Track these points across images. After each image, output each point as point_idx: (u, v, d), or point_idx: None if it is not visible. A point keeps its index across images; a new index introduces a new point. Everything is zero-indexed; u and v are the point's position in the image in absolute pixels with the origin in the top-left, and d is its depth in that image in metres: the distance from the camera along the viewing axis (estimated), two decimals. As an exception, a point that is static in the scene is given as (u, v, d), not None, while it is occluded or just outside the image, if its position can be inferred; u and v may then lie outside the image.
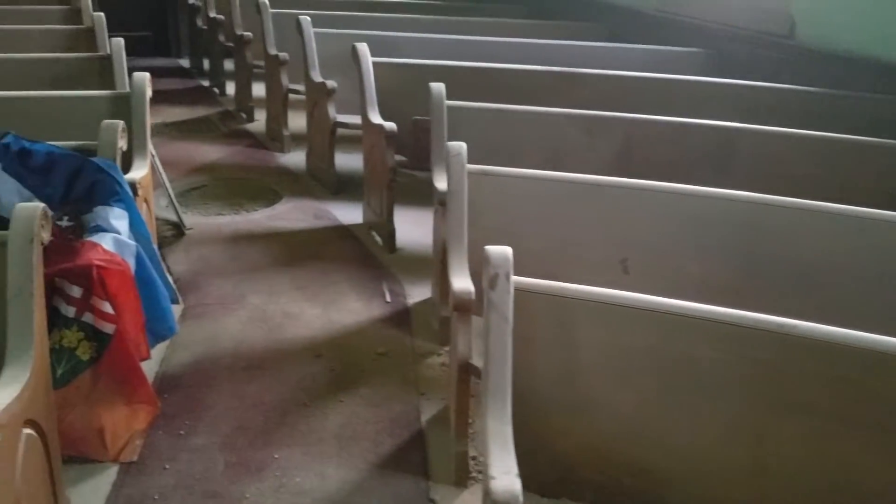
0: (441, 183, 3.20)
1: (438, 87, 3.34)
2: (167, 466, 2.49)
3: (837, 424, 1.71)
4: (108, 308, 2.35)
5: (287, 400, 2.85)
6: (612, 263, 2.57)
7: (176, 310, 3.13)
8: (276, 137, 5.56)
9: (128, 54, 3.89)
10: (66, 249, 2.38)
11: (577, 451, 1.85)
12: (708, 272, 2.55)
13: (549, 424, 1.85)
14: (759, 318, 1.76)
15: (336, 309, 3.48)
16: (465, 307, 2.35)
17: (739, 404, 1.78)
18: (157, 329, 2.67)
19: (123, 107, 3.28)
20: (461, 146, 2.63)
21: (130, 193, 2.66)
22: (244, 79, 6.13)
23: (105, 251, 2.40)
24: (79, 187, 2.63)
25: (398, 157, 4.03)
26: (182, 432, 2.65)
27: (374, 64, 4.15)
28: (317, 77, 4.74)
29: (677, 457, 1.81)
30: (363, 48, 4.10)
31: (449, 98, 3.34)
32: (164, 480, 2.44)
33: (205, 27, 7.07)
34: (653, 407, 1.79)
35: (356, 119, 4.49)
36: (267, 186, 4.84)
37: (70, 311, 2.33)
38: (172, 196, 4.10)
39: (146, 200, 3.09)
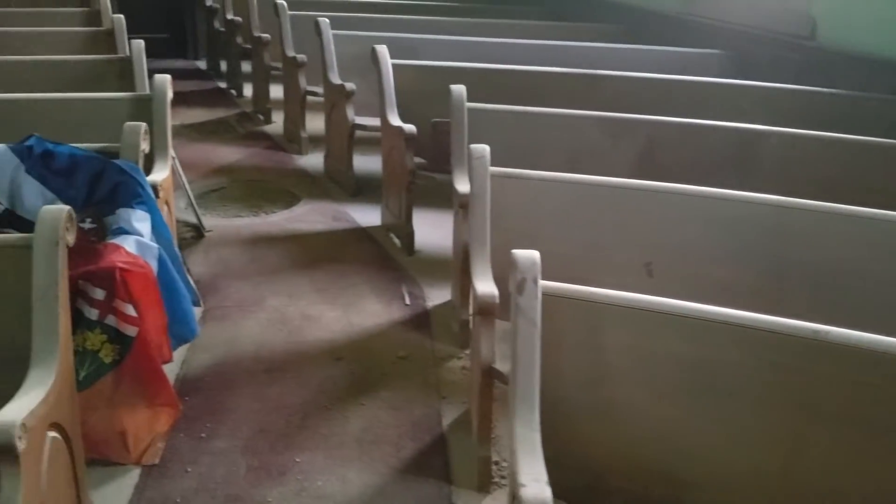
0: (462, 185, 3.19)
1: (459, 90, 3.33)
2: (189, 469, 2.49)
3: (869, 431, 1.68)
4: (130, 310, 2.35)
5: (308, 403, 2.84)
6: (636, 267, 2.55)
7: (196, 312, 3.12)
8: (293, 139, 5.56)
9: (146, 56, 3.89)
10: (88, 252, 2.38)
11: (605, 457, 1.83)
12: (732, 276, 2.52)
13: (577, 430, 1.83)
14: (791, 324, 1.74)
15: (356, 311, 3.47)
16: (489, 311, 2.33)
17: (770, 411, 1.76)
18: (179, 331, 2.67)
19: (144, 109, 3.28)
20: (484, 149, 2.61)
21: (153, 195, 2.66)
22: (262, 81, 6.14)
23: (128, 253, 2.40)
24: (101, 189, 2.63)
25: (417, 160, 4.01)
26: (203, 435, 2.64)
27: (394, 66, 4.14)
28: (335, 79, 4.74)
29: (707, 464, 1.79)
30: (383, 50, 4.10)
31: (468, 100, 3.33)
32: (186, 484, 2.43)
33: (222, 29, 7.10)
34: (682, 413, 1.77)
35: (374, 121, 4.49)
36: (285, 189, 4.84)
37: (93, 314, 2.33)
38: (192, 198, 4.11)
39: (167, 202, 3.09)
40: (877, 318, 2.15)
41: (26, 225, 2.62)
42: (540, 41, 5.11)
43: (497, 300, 2.33)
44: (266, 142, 5.74)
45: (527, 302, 1.75)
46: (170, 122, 3.26)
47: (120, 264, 2.33)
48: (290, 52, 5.39)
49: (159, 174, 3.01)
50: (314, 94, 5.27)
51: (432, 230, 4.17)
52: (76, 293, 2.32)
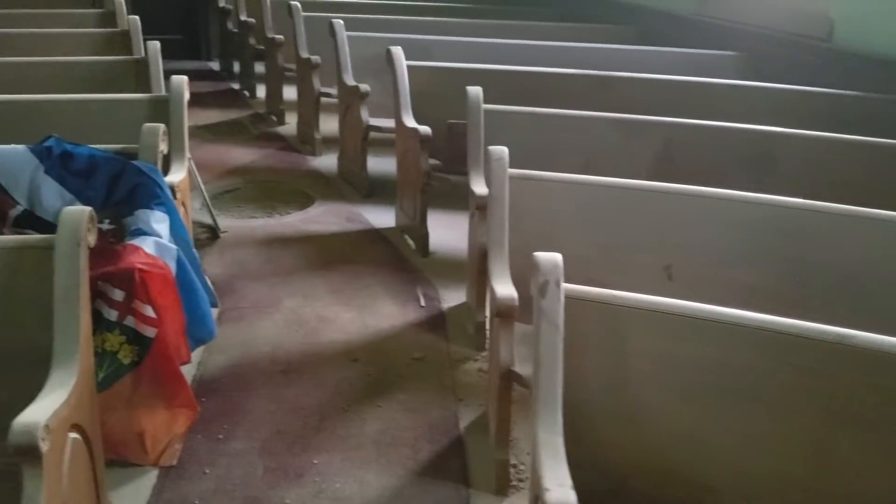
0: (478, 187, 3.18)
1: (475, 91, 3.32)
2: (207, 471, 2.49)
3: (894, 436, 1.67)
4: (149, 312, 2.35)
5: (325, 404, 2.83)
6: (656, 270, 2.53)
7: (213, 313, 3.12)
8: (307, 141, 5.56)
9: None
10: (107, 253, 2.39)
11: (627, 461, 1.82)
12: (752, 278, 2.51)
13: (599, 434, 1.82)
14: (817, 328, 1.72)
15: (371, 313, 3.47)
16: (508, 313, 2.32)
17: (793, 416, 1.74)
18: (197, 332, 2.67)
19: (161, 110, 3.29)
20: (503, 150, 2.61)
21: (171, 197, 2.66)
22: (275, 82, 6.14)
23: (147, 255, 2.40)
24: (120, 190, 2.63)
25: (432, 161, 4.01)
26: (221, 436, 2.64)
27: (408, 67, 4.13)
28: (349, 80, 4.74)
29: (729, 468, 1.77)
30: (398, 52, 4.09)
31: (483, 102, 3.32)
32: (204, 485, 2.43)
33: (235, 30, 7.10)
34: (707, 418, 1.76)
35: (389, 123, 4.49)
36: (299, 190, 4.84)
37: (112, 315, 2.33)
38: (207, 199, 4.11)
39: (183, 203, 3.09)
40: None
41: (45, 225, 2.63)
42: (553, 42, 5.10)
43: (517, 303, 2.32)
44: (279, 143, 5.74)
45: (549, 305, 1.74)
46: (186, 124, 3.27)
47: (139, 265, 2.33)
48: (304, 54, 5.39)
49: (176, 175, 3.02)
50: (328, 95, 5.27)
51: (446, 231, 4.17)
52: (95, 294, 2.32)
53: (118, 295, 2.32)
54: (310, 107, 5.44)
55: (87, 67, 3.98)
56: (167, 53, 3.92)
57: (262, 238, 4.14)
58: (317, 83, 5.27)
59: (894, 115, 3.58)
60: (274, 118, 6.21)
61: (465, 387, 2.99)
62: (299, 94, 5.70)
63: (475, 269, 3.24)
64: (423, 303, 3.60)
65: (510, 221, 2.60)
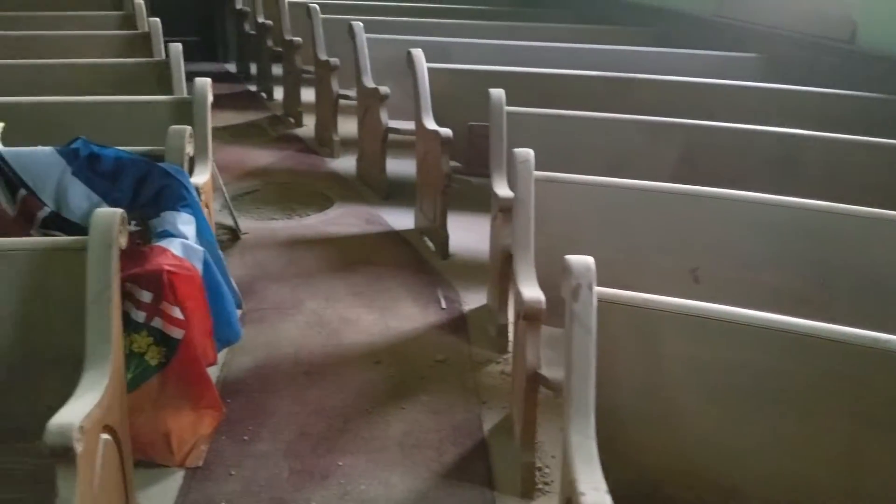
0: (501, 189, 3.18)
1: (498, 94, 3.32)
2: (233, 472, 2.50)
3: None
4: (177, 313, 2.35)
5: (348, 406, 2.84)
6: (682, 272, 2.52)
7: (238, 314, 3.13)
8: (325, 142, 5.57)
9: (177, 59, 3.92)
10: (135, 254, 2.39)
11: (659, 465, 1.81)
12: (780, 282, 2.49)
13: (631, 438, 1.81)
14: (851, 333, 1.71)
15: (392, 315, 3.47)
16: (536, 316, 2.32)
17: (827, 420, 1.73)
18: (223, 334, 2.67)
19: (184, 112, 3.30)
20: (528, 153, 2.60)
21: (197, 199, 2.67)
22: (293, 84, 6.16)
23: (174, 256, 2.41)
24: (146, 192, 2.64)
25: (452, 163, 4.01)
26: (246, 438, 2.65)
27: (428, 70, 4.14)
28: (369, 83, 4.74)
29: (763, 473, 1.76)
30: (419, 54, 4.09)
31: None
32: (230, 487, 2.44)
33: (252, 32, 7.13)
34: (738, 421, 1.75)
35: (408, 125, 4.50)
36: (318, 191, 4.86)
37: (140, 316, 2.34)
38: (229, 200, 4.13)
39: (207, 205, 3.10)
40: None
41: (72, 227, 2.64)
42: (571, 45, 5.08)
43: (544, 305, 2.31)
44: (298, 145, 5.76)
45: (582, 308, 1.74)
46: (210, 126, 3.28)
47: (167, 267, 2.34)
48: (323, 56, 5.41)
49: (201, 177, 3.03)
50: (346, 97, 5.28)
51: (465, 233, 4.17)
52: (123, 296, 2.32)
53: (146, 296, 2.33)
54: (328, 109, 5.45)
55: (109, 70, 4.00)
56: (185, 55, 3.93)
57: (282, 239, 4.15)
58: (335, 85, 5.28)
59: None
60: (291, 120, 6.23)
61: (487, 389, 2.99)
62: (317, 97, 5.72)
63: (497, 272, 3.24)
64: (443, 305, 3.60)
65: (535, 224, 2.60)
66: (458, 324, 3.46)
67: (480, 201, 3.99)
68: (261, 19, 6.76)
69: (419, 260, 4.04)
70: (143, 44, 4.62)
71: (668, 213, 2.58)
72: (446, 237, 4.05)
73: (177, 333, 2.37)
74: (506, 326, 3.25)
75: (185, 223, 2.55)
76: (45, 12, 5.51)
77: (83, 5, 5.99)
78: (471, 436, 2.73)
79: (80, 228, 2.63)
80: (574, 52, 4.91)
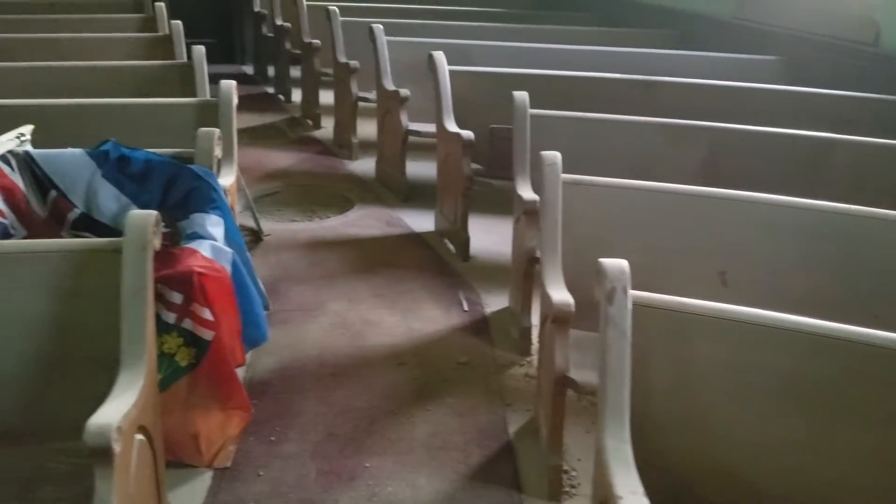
0: (525, 192, 3.19)
1: (522, 96, 3.32)
2: (261, 473, 2.51)
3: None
4: (207, 314, 2.37)
5: (374, 407, 2.85)
6: (710, 276, 2.52)
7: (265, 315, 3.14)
8: (344, 144, 5.59)
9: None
10: (165, 256, 2.40)
11: (694, 468, 1.81)
12: (807, 285, 2.49)
13: (665, 441, 1.81)
14: (884, 336, 1.71)
15: (415, 317, 3.48)
16: (565, 319, 2.32)
17: (862, 423, 1.73)
18: (251, 335, 2.68)
19: (209, 114, 3.32)
20: (556, 156, 2.61)
21: (226, 201, 2.68)
22: (311, 86, 6.18)
23: (204, 258, 2.42)
24: (175, 194, 2.66)
25: (474, 166, 4.01)
26: (273, 439, 2.66)
27: (449, 73, 4.14)
28: (389, 85, 4.76)
29: (798, 477, 1.76)
30: (440, 57, 4.10)
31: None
32: (259, 487, 2.45)
33: (270, 34, 7.15)
34: (776, 428, 1.74)
35: (427, 127, 4.51)
36: (338, 193, 4.87)
37: (170, 318, 2.35)
38: (251, 202, 4.15)
39: (231, 207, 3.12)
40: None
41: (102, 228, 2.67)
42: (591, 47, 5.08)
43: (573, 308, 2.32)
44: (317, 147, 5.78)
45: (617, 312, 1.74)
46: (235, 128, 3.30)
47: (197, 268, 2.35)
48: (342, 58, 5.42)
49: (227, 179, 3.04)
50: (365, 99, 5.30)
51: (486, 236, 4.18)
52: (154, 297, 2.34)
53: (176, 298, 2.34)
54: (347, 111, 5.47)
55: (133, 72, 4.03)
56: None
57: (304, 241, 4.17)
58: (354, 88, 5.30)
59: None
60: (310, 122, 6.25)
61: (511, 392, 3.00)
62: (336, 99, 5.73)
63: (521, 274, 3.24)
64: (465, 307, 3.60)
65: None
66: (481, 326, 3.47)
67: (500, 203, 4.01)
68: (279, 21, 6.78)
69: (440, 262, 4.04)
70: (164, 46, 4.65)
71: (695, 216, 2.58)
72: (467, 239, 4.05)
73: (207, 335, 2.38)
74: (529, 329, 3.26)
75: (214, 225, 2.57)
76: (67, 15, 5.56)
77: (104, 8, 6.03)
78: (496, 438, 2.73)
79: (109, 230, 2.65)
80: (593, 55, 4.91)
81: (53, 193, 2.67)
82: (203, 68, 3.90)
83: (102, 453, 1.67)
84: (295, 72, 6.71)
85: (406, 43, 4.95)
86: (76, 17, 5.50)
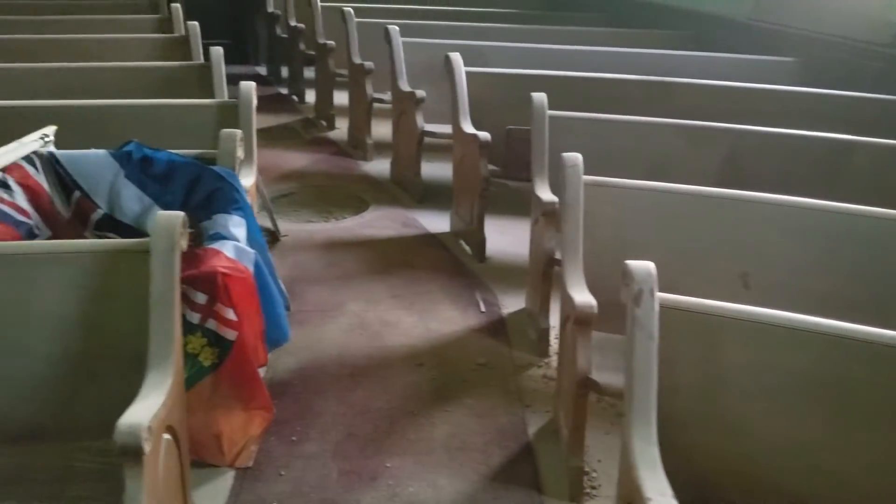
0: (544, 193, 3.19)
1: (540, 98, 3.33)
2: (282, 473, 2.52)
3: None
4: (231, 315, 2.38)
5: (394, 408, 2.86)
6: (732, 278, 2.52)
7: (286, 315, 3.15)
8: (358, 145, 5.60)
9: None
10: (189, 256, 2.42)
11: (720, 471, 1.82)
12: (829, 287, 2.49)
13: (692, 443, 1.82)
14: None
15: (432, 318, 3.49)
16: (587, 321, 2.33)
17: (891, 427, 1.73)
18: (272, 335, 2.70)
19: (228, 115, 3.34)
20: (577, 157, 2.61)
21: (248, 202, 2.70)
22: (325, 87, 6.19)
23: (228, 258, 2.43)
24: (198, 195, 2.68)
25: (490, 167, 4.02)
26: (294, 438, 2.67)
27: (465, 73, 4.15)
28: (404, 86, 4.77)
29: (825, 480, 1.76)
30: (457, 58, 4.11)
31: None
32: (281, 487, 2.46)
33: (284, 35, 7.17)
34: (805, 431, 1.75)
35: (442, 128, 4.52)
36: (353, 194, 4.89)
37: (195, 318, 2.37)
38: (269, 203, 4.16)
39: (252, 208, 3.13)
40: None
41: (125, 229, 2.68)
42: (606, 48, 5.09)
43: (596, 310, 2.32)
44: (331, 147, 5.79)
45: (644, 314, 1.74)
46: (255, 129, 3.31)
47: (221, 269, 2.36)
48: (357, 59, 5.43)
49: (247, 180, 3.05)
50: (380, 100, 5.31)
51: (501, 237, 4.19)
52: (178, 297, 2.36)
53: (201, 298, 2.35)
54: (362, 112, 5.48)
55: (151, 72, 4.05)
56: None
57: (320, 242, 4.18)
58: (369, 89, 5.31)
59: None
60: (324, 123, 6.26)
61: (529, 393, 3.00)
62: (351, 100, 5.75)
63: (539, 276, 3.24)
64: (482, 308, 3.61)
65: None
66: (498, 327, 3.47)
67: (515, 204, 4.02)
68: (293, 22, 6.80)
69: (456, 263, 4.05)
70: (180, 47, 4.66)
71: (717, 218, 2.58)
72: (483, 240, 4.06)
73: (230, 335, 2.40)
74: (547, 330, 3.26)
75: (237, 226, 2.58)
76: (83, 16, 5.59)
77: (119, 9, 6.07)
78: (516, 439, 2.74)
79: (132, 230, 2.67)
80: (608, 56, 4.91)
81: (77, 194, 2.69)
82: (221, 69, 3.92)
83: (132, 453, 1.68)
84: (308, 73, 6.73)
85: (421, 44, 4.96)
86: (92, 17, 5.53)
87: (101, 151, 2.75)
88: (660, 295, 1.78)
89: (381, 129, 5.50)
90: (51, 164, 2.70)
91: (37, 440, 2.04)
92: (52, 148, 2.76)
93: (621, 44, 5.29)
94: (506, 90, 4.18)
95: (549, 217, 3.08)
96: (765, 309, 1.81)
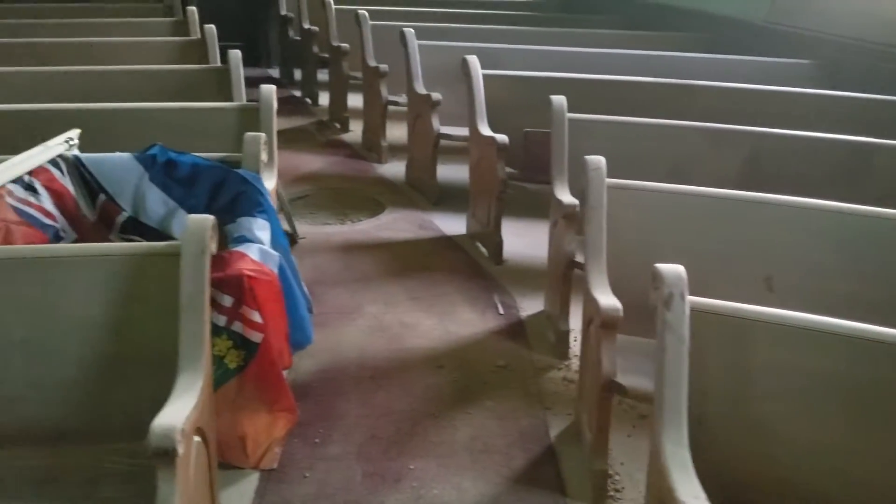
0: (564, 195, 3.19)
1: (559, 100, 3.34)
2: (306, 475, 2.53)
3: None
4: (256, 317, 2.39)
5: (415, 410, 2.86)
6: (756, 280, 2.52)
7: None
8: (372, 148, 5.62)
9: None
10: (215, 259, 2.42)
11: (750, 474, 1.82)
12: (852, 290, 2.48)
13: (722, 447, 1.82)
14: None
15: (451, 320, 3.50)
16: (613, 324, 2.33)
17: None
18: (296, 337, 2.71)
19: (248, 118, 3.36)
20: (600, 160, 2.62)
21: (272, 205, 2.71)
22: (339, 90, 6.21)
23: (253, 261, 2.44)
24: (222, 198, 2.69)
25: (508, 169, 4.02)
26: (317, 440, 2.68)
27: (483, 76, 4.16)
28: (420, 89, 4.78)
29: (855, 484, 1.76)
30: (474, 61, 4.12)
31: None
32: (305, 489, 2.47)
33: (297, 38, 7.19)
34: (836, 436, 1.75)
35: (458, 130, 4.53)
36: (369, 196, 4.90)
37: (221, 320, 2.37)
38: (286, 205, 4.18)
39: (272, 210, 3.15)
40: None
41: (149, 232, 2.70)
42: (622, 50, 5.09)
43: (621, 313, 2.33)
44: (346, 150, 5.81)
45: (675, 317, 1.75)
46: (276, 132, 3.33)
47: (247, 272, 2.37)
48: (372, 62, 5.45)
49: (269, 182, 3.06)
50: (395, 103, 5.32)
51: (517, 239, 4.19)
52: (206, 300, 2.37)
53: (227, 301, 2.36)
54: (377, 115, 5.49)
55: (169, 75, 4.08)
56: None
57: (337, 244, 4.20)
58: (384, 91, 5.32)
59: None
60: (338, 125, 6.28)
61: (550, 395, 3.00)
62: (365, 103, 5.76)
63: (558, 278, 3.25)
64: (501, 310, 3.62)
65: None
66: (517, 329, 3.48)
67: (532, 207, 4.03)
68: (306, 25, 6.82)
69: (473, 265, 4.06)
70: (197, 50, 4.69)
71: (740, 221, 2.58)
72: (500, 242, 4.07)
73: (256, 337, 2.40)
74: (567, 333, 3.26)
75: (261, 229, 2.59)
76: (99, 19, 5.62)
77: (135, 12, 6.10)
78: (538, 441, 2.74)
79: (157, 233, 2.69)
80: (624, 58, 4.91)
81: (102, 197, 2.71)
82: (240, 72, 3.95)
83: (166, 455, 1.69)
84: (322, 75, 6.75)
85: (436, 47, 4.98)
86: (108, 21, 5.56)
87: (126, 154, 2.76)
88: (690, 298, 1.78)
89: (394, 132, 5.51)
90: (76, 167, 2.72)
91: (67, 442, 2.05)
92: (76, 151, 2.78)
93: (637, 46, 5.29)
94: (522, 93, 4.19)
95: (570, 220, 3.09)
96: (794, 312, 1.81)
